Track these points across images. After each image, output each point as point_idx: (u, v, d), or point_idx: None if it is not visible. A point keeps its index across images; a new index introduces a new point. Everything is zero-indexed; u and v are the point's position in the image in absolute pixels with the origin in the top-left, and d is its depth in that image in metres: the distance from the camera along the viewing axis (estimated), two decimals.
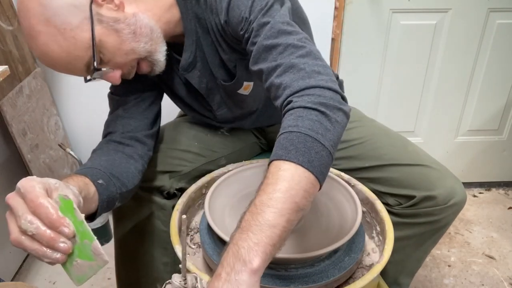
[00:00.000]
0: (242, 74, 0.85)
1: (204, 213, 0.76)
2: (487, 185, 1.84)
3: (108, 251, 1.63)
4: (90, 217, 0.70)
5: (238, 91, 0.88)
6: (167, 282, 0.56)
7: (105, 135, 0.86)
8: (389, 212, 0.87)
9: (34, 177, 0.53)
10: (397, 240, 0.76)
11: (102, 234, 1.52)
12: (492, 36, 1.50)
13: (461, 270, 1.40)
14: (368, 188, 0.87)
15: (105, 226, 1.52)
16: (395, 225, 0.80)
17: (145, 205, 0.92)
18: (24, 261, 1.43)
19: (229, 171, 0.87)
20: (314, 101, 0.59)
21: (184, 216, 0.54)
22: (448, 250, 1.49)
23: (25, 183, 0.52)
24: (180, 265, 0.56)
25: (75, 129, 1.62)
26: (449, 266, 1.42)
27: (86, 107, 1.57)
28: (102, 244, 1.53)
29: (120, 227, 0.95)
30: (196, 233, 0.82)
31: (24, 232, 0.50)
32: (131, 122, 0.85)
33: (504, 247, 1.49)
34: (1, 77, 1.00)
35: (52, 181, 0.54)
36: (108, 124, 0.87)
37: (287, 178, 0.54)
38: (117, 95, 0.88)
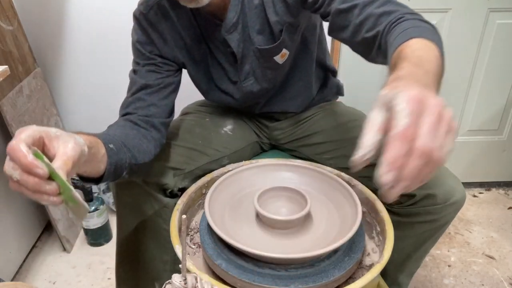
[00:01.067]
0: (285, 39, 0.88)
1: (204, 213, 0.76)
2: (487, 185, 1.84)
3: (108, 251, 1.62)
4: (96, 180, 0.69)
5: (274, 58, 0.91)
6: (167, 282, 0.56)
7: (123, 114, 0.87)
8: (389, 211, 0.87)
9: (34, 125, 0.52)
10: (397, 239, 0.75)
11: (102, 234, 1.52)
12: (492, 36, 1.51)
13: (461, 270, 1.40)
14: (370, 187, 0.87)
15: (105, 226, 1.52)
16: (395, 224, 0.80)
17: (149, 202, 0.92)
18: (24, 261, 1.43)
19: (229, 171, 0.87)
20: (426, 20, 0.65)
21: (184, 216, 0.54)
22: (448, 250, 1.49)
23: (20, 130, 0.51)
24: (180, 265, 0.56)
25: (75, 129, 1.62)
26: (449, 266, 1.42)
27: (86, 107, 1.58)
28: (102, 244, 1.53)
29: (123, 224, 0.95)
30: (196, 233, 0.82)
31: (11, 178, 0.50)
32: (150, 108, 0.87)
33: (504, 247, 1.49)
34: (1, 77, 1.00)
35: (53, 130, 0.53)
36: (127, 104, 0.88)
37: (435, 55, 0.57)
38: (140, 77, 0.89)
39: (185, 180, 0.96)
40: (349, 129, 0.99)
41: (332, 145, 1.00)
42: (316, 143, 1.03)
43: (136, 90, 0.88)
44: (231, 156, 1.03)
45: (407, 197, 0.86)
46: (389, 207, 0.88)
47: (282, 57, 0.91)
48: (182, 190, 0.98)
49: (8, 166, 0.49)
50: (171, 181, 0.93)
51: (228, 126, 1.06)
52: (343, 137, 0.99)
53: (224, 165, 0.97)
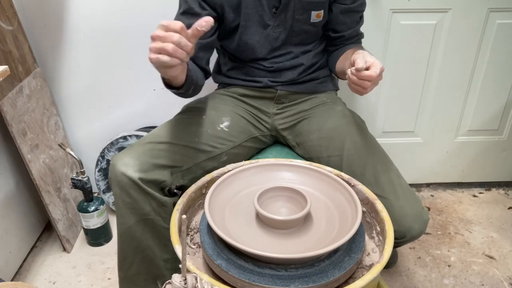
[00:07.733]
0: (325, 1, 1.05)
1: (204, 213, 0.76)
2: (487, 185, 1.84)
3: (108, 251, 1.62)
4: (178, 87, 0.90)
5: (312, 12, 1.05)
6: (167, 282, 0.56)
7: None
8: None
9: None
10: None
11: (102, 234, 1.52)
12: (492, 36, 1.51)
13: (461, 270, 1.40)
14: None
15: (105, 226, 1.52)
16: None
17: (147, 201, 0.92)
18: (24, 261, 1.43)
19: (229, 171, 0.87)
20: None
21: (184, 216, 0.54)
22: (448, 250, 1.49)
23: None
24: (180, 265, 0.56)
25: (75, 129, 1.62)
26: (449, 266, 1.42)
27: (86, 107, 1.58)
28: (102, 244, 1.53)
29: (123, 223, 0.96)
30: (196, 233, 0.82)
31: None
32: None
33: (504, 247, 1.50)
34: (1, 77, 1.00)
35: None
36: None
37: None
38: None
39: (184, 178, 0.97)
40: (343, 120, 1.07)
41: (325, 131, 1.07)
42: (311, 126, 1.10)
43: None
44: (229, 152, 1.03)
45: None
46: None
47: (317, 16, 1.06)
48: (180, 188, 0.98)
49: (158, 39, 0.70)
50: (168, 178, 0.93)
51: (224, 123, 1.06)
52: (335, 125, 1.06)
53: (222, 162, 0.97)
